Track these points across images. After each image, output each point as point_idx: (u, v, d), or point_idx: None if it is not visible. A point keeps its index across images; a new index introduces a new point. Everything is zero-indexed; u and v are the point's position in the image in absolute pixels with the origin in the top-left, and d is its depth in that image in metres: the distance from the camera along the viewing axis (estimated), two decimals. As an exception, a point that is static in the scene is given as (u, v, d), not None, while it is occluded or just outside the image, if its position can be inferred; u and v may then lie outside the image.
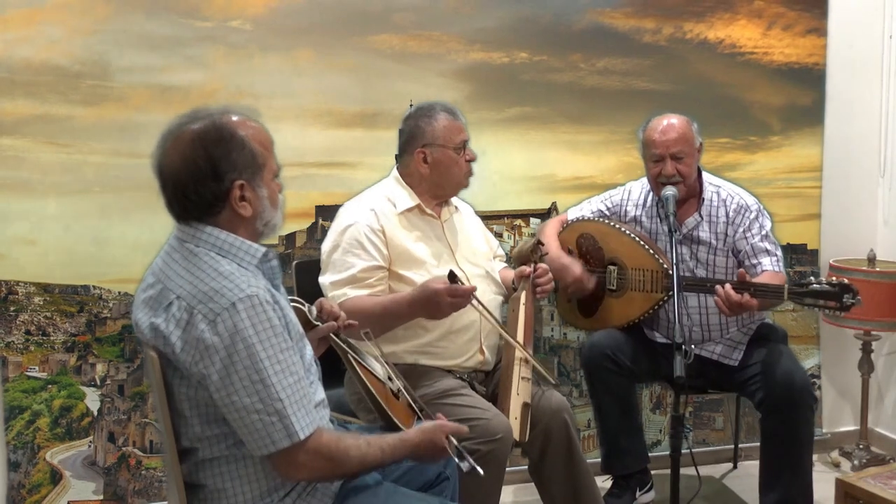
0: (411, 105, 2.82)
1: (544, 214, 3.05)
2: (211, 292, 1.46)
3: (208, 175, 1.50)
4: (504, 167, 2.97)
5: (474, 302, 2.15)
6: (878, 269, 3.07)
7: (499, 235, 2.91)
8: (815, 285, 2.29)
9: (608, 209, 2.76)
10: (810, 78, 3.24)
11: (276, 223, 1.63)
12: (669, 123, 2.55)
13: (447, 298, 2.07)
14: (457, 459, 1.67)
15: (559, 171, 3.07)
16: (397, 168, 2.39)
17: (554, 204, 3.06)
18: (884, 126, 3.33)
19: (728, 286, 2.35)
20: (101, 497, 2.76)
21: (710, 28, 3.12)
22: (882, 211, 3.38)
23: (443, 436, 1.66)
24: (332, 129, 2.83)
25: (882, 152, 3.35)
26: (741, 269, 2.42)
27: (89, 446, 2.75)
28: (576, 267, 2.59)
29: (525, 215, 3.06)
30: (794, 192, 3.26)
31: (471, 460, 1.69)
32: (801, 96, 3.24)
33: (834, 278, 2.30)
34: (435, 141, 2.29)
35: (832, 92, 3.27)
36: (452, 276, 2.07)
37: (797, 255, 3.26)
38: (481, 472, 1.68)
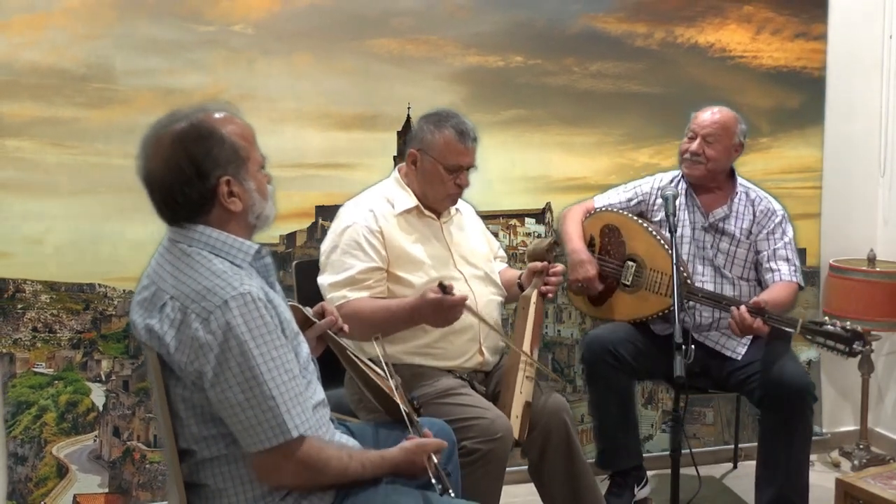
0: (409, 108, 2.90)
1: (539, 214, 3.10)
2: (204, 291, 1.46)
3: (192, 175, 1.49)
4: (499, 168, 3.02)
5: (476, 310, 2.16)
6: (878, 269, 3.10)
7: (494, 235, 2.96)
8: (828, 326, 2.33)
9: (637, 196, 2.78)
10: (799, 81, 3.29)
11: (269, 215, 1.61)
12: (716, 109, 2.65)
13: (438, 309, 2.08)
14: (434, 480, 1.62)
15: (553, 171, 3.12)
16: (397, 169, 2.41)
17: (548, 204, 3.11)
18: (884, 126, 3.36)
19: (743, 308, 2.38)
20: (107, 490, 2.80)
21: (701, 32, 3.18)
22: (882, 211, 3.41)
23: (424, 456, 1.63)
24: (331, 131, 2.88)
25: (882, 152, 3.37)
26: (756, 299, 2.44)
27: (95, 441, 2.80)
28: (592, 268, 2.62)
29: (520, 215, 3.11)
30: (784, 193, 3.26)
31: (446, 482, 1.63)
32: (789, 99, 3.30)
33: (848, 323, 2.33)
34: (429, 150, 2.28)
35: (832, 92, 3.31)
36: (443, 287, 2.07)
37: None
38: (452, 494, 1.64)
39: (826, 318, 2.36)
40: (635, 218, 2.71)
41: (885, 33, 3.34)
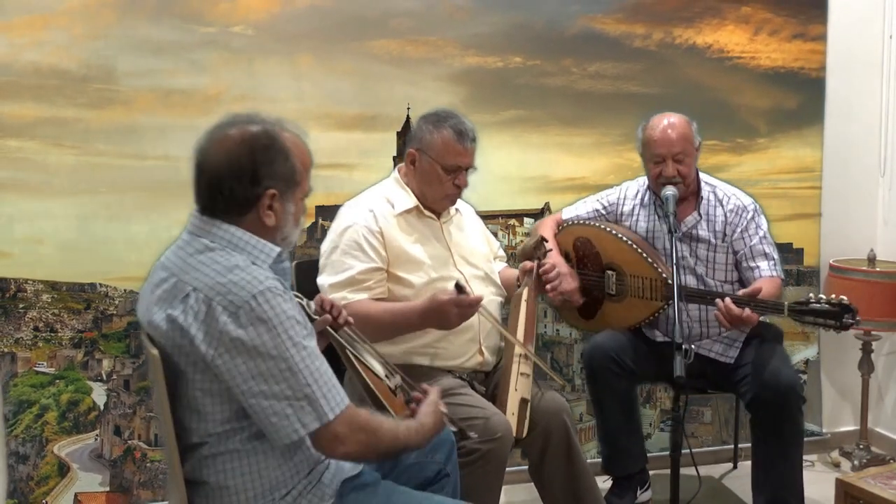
0: (409, 108, 2.91)
1: (538, 214, 3.11)
2: (229, 284, 1.48)
3: (247, 176, 1.53)
4: (499, 168, 3.02)
5: (482, 311, 2.17)
6: (878, 269, 3.09)
7: (493, 234, 2.98)
8: (814, 304, 2.27)
9: (604, 208, 2.77)
10: (797, 82, 3.30)
11: (293, 241, 1.66)
12: (670, 123, 2.56)
13: (454, 309, 2.09)
14: (452, 428, 1.88)
15: (552, 172, 3.13)
16: (397, 169, 2.42)
17: (547, 204, 3.12)
18: (884, 126, 3.36)
19: (728, 300, 2.34)
20: (108, 489, 2.82)
21: (699, 33, 3.19)
22: (882, 211, 3.41)
23: (441, 416, 1.75)
24: (331, 132, 2.89)
25: (882, 152, 3.37)
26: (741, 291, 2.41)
27: (96, 439, 2.81)
28: (573, 281, 2.59)
29: (519, 215, 3.12)
30: (780, 193, 3.31)
31: (460, 427, 1.89)
32: (786, 100, 3.31)
33: (834, 296, 2.27)
34: (427, 150, 2.28)
35: (832, 92, 3.31)
36: (459, 287, 2.08)
37: (783, 254, 3.31)
38: (474, 435, 1.85)
39: (811, 295, 2.31)
40: (602, 226, 2.69)
41: (884, 33, 3.35)
